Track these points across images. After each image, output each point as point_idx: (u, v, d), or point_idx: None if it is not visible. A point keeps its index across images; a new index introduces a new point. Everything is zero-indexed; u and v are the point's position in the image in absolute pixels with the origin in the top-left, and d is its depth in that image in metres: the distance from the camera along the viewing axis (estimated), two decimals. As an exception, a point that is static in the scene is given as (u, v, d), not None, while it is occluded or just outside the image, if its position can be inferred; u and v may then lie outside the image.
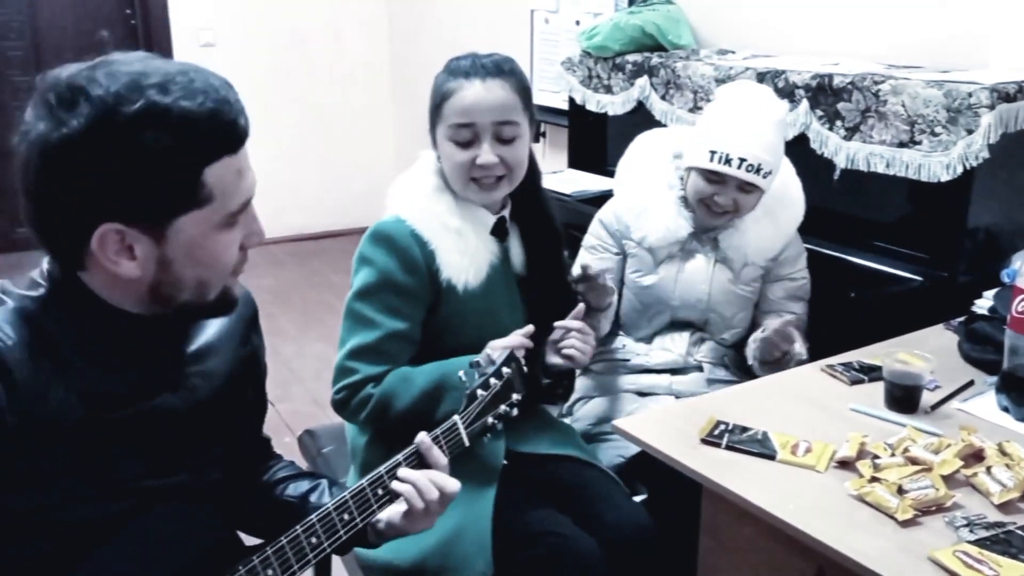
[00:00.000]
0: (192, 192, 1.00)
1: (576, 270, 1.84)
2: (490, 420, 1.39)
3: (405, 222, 1.66)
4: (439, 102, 1.66)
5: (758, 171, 1.90)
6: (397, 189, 1.73)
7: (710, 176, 1.94)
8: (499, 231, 1.75)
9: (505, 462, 1.70)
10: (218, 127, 1.00)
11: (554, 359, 1.72)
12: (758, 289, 2.06)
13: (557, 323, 1.72)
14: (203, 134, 0.98)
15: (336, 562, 1.81)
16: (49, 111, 0.95)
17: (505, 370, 1.42)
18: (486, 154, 1.62)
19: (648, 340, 2.10)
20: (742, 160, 1.89)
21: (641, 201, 2.07)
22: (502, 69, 1.65)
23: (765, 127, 1.92)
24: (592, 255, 2.12)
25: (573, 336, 1.70)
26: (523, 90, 1.68)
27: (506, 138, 1.64)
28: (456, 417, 1.35)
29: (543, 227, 1.80)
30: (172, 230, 1.01)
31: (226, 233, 1.05)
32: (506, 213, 1.76)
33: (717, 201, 1.95)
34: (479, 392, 1.38)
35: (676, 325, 2.08)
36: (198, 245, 1.03)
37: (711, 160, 1.92)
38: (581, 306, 1.73)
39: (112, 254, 0.99)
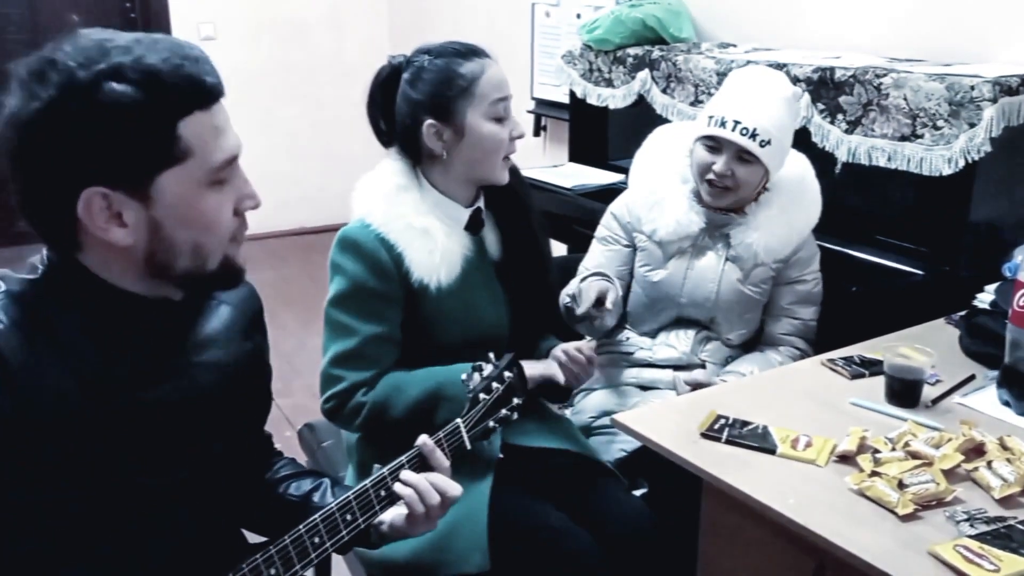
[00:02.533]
0: (167, 147, 1.00)
1: (588, 293, 1.82)
2: (491, 424, 1.40)
3: (370, 226, 1.64)
4: (467, 85, 1.62)
5: (753, 136, 1.88)
6: (360, 192, 1.70)
7: (708, 143, 1.94)
8: (474, 225, 1.73)
9: (501, 456, 1.70)
10: (184, 81, 1.00)
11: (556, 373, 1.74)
12: (767, 291, 2.03)
13: (564, 346, 1.74)
14: (169, 87, 0.99)
15: (335, 557, 1.82)
16: (21, 86, 0.97)
17: (507, 374, 1.42)
18: (520, 125, 1.67)
19: (653, 335, 2.09)
20: (736, 123, 1.88)
21: (654, 194, 2.05)
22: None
23: (765, 97, 1.91)
24: (603, 246, 2.12)
25: (576, 367, 1.72)
26: None
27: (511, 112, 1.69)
28: (459, 420, 1.35)
29: (516, 209, 1.78)
30: (156, 190, 1.00)
31: (214, 193, 1.04)
32: (480, 204, 1.75)
33: (715, 170, 1.92)
34: (481, 396, 1.39)
35: (682, 322, 2.06)
36: (186, 204, 1.02)
37: (708, 125, 1.93)
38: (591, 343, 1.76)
39: (101, 222, 0.99)
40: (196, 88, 1.01)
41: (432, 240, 1.65)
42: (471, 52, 1.64)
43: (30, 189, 1.00)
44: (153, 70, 0.97)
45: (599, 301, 1.77)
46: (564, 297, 1.94)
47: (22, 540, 1.01)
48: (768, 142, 1.89)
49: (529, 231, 1.79)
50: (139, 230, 1.01)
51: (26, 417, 0.97)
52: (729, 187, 1.94)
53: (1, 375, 0.96)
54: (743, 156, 1.90)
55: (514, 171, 1.77)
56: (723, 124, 1.90)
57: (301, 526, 1.17)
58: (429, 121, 1.64)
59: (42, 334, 1.00)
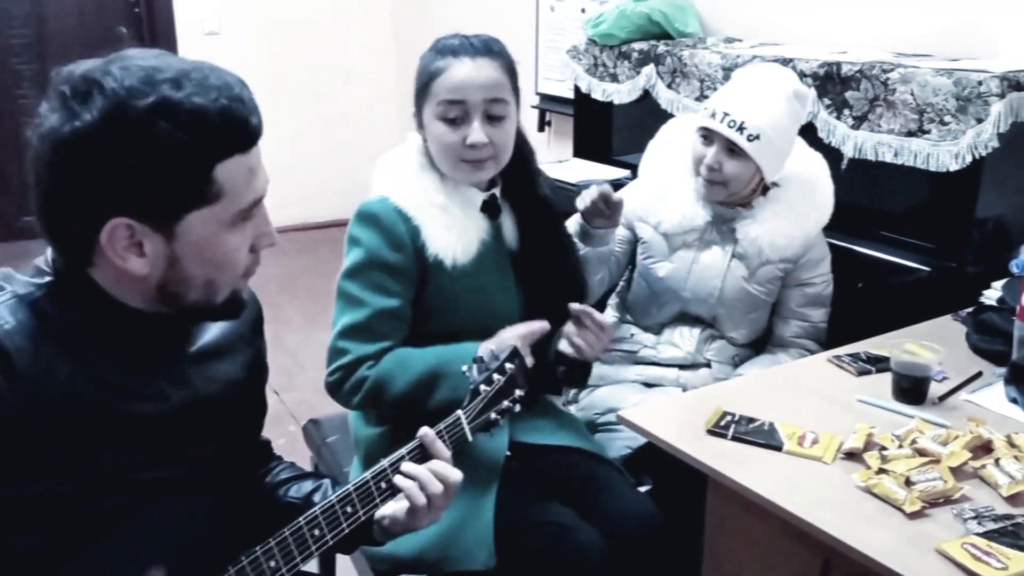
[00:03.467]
0: (202, 188, 0.99)
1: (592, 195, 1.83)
2: (493, 415, 1.39)
3: (389, 200, 1.65)
4: (427, 81, 1.64)
5: (741, 129, 1.87)
6: (382, 168, 1.72)
7: (702, 134, 1.95)
8: (490, 209, 1.73)
9: (508, 453, 1.69)
10: (230, 124, 0.99)
11: (565, 348, 1.69)
12: (774, 292, 2.02)
13: (574, 307, 1.67)
14: (215, 131, 0.98)
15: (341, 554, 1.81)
16: (63, 103, 0.95)
17: (508, 366, 1.41)
18: (476, 132, 1.61)
19: (657, 330, 2.08)
20: (725, 115, 1.88)
21: (662, 186, 2.05)
22: (491, 48, 1.64)
23: (762, 92, 1.90)
24: None
25: (586, 331, 1.66)
26: (511, 70, 1.67)
27: (495, 116, 1.63)
28: (459, 412, 1.35)
29: (536, 205, 1.78)
30: (181, 227, 1.00)
31: (236, 233, 1.05)
32: (496, 191, 1.74)
33: (705, 162, 1.93)
34: (482, 387, 1.38)
35: (686, 319, 2.06)
36: (207, 243, 1.03)
37: (702, 116, 1.94)
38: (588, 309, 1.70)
39: (121, 250, 0.99)
40: (239, 132, 1.01)
41: (450, 217, 1.66)
42: (452, 49, 1.62)
43: (55, 205, 0.99)
44: (202, 111, 0.96)
45: (605, 200, 1.82)
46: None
47: (23, 535, 1.01)
48: (756, 137, 1.88)
49: (546, 226, 1.78)
50: (157, 262, 1.02)
51: (33, 413, 0.97)
52: (718, 180, 1.93)
53: (8, 372, 0.96)
54: (732, 149, 1.90)
55: (531, 165, 1.77)
56: (714, 115, 1.91)
57: (301, 518, 1.17)
58: (413, 110, 1.69)
59: (48, 336, 1.00)
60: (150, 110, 0.94)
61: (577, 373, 1.77)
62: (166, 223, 1.00)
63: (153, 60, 0.98)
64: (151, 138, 0.95)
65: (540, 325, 1.64)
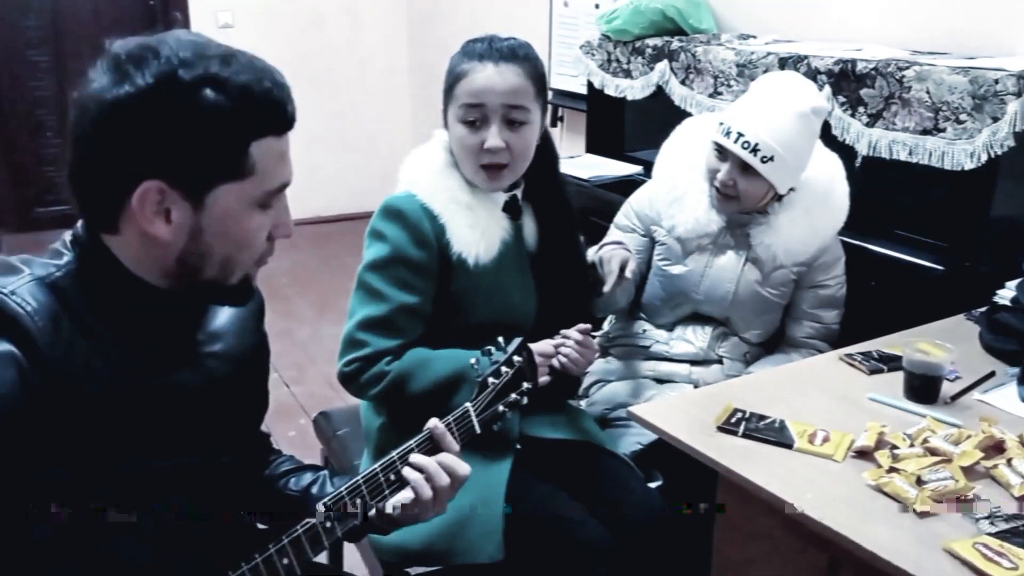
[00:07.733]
0: (236, 161, 1.03)
1: (611, 264, 1.81)
2: (501, 408, 1.38)
3: (416, 196, 1.67)
4: (452, 83, 1.66)
5: (754, 151, 1.85)
6: (409, 165, 1.73)
7: (716, 148, 1.93)
8: (511, 209, 1.74)
9: (519, 447, 1.69)
10: (270, 105, 1.04)
11: (553, 362, 1.70)
12: (787, 294, 2.01)
13: (562, 331, 1.70)
14: (256, 107, 1.03)
15: (348, 545, 1.82)
16: (117, 67, 0.99)
17: (516, 359, 1.41)
18: (493, 137, 1.63)
19: (670, 328, 2.08)
20: (740, 135, 1.86)
21: (675, 189, 2.04)
22: (516, 55, 1.64)
23: (777, 112, 1.86)
24: (621, 233, 2.10)
25: (571, 346, 1.68)
26: (537, 77, 1.66)
27: (514, 121, 1.64)
28: (468, 404, 1.35)
29: (558, 209, 1.79)
30: (211, 198, 1.03)
31: (259, 214, 1.08)
32: (518, 192, 1.75)
33: (719, 178, 1.92)
34: (490, 380, 1.38)
35: (699, 318, 2.05)
36: (232, 219, 1.05)
37: (717, 131, 1.91)
38: (586, 326, 1.71)
39: (149, 213, 1.02)
40: (278, 114, 1.06)
41: (474, 215, 1.67)
42: (478, 53, 1.64)
43: (91, 165, 1.02)
44: (246, 87, 1.01)
45: (620, 270, 1.79)
46: None
47: (38, 525, 1.01)
48: (770, 159, 1.85)
49: (564, 229, 1.80)
50: (181, 231, 1.04)
51: (55, 395, 0.98)
52: (731, 195, 1.92)
53: (31, 353, 0.97)
54: (745, 167, 1.88)
55: (555, 170, 1.79)
56: (728, 134, 1.88)
57: (313, 519, 1.18)
58: (442, 108, 1.70)
59: (68, 316, 1.01)
60: (199, 79, 0.99)
61: (566, 387, 1.77)
62: (197, 192, 1.02)
63: (201, 39, 1.04)
64: (197, 105, 0.99)
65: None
